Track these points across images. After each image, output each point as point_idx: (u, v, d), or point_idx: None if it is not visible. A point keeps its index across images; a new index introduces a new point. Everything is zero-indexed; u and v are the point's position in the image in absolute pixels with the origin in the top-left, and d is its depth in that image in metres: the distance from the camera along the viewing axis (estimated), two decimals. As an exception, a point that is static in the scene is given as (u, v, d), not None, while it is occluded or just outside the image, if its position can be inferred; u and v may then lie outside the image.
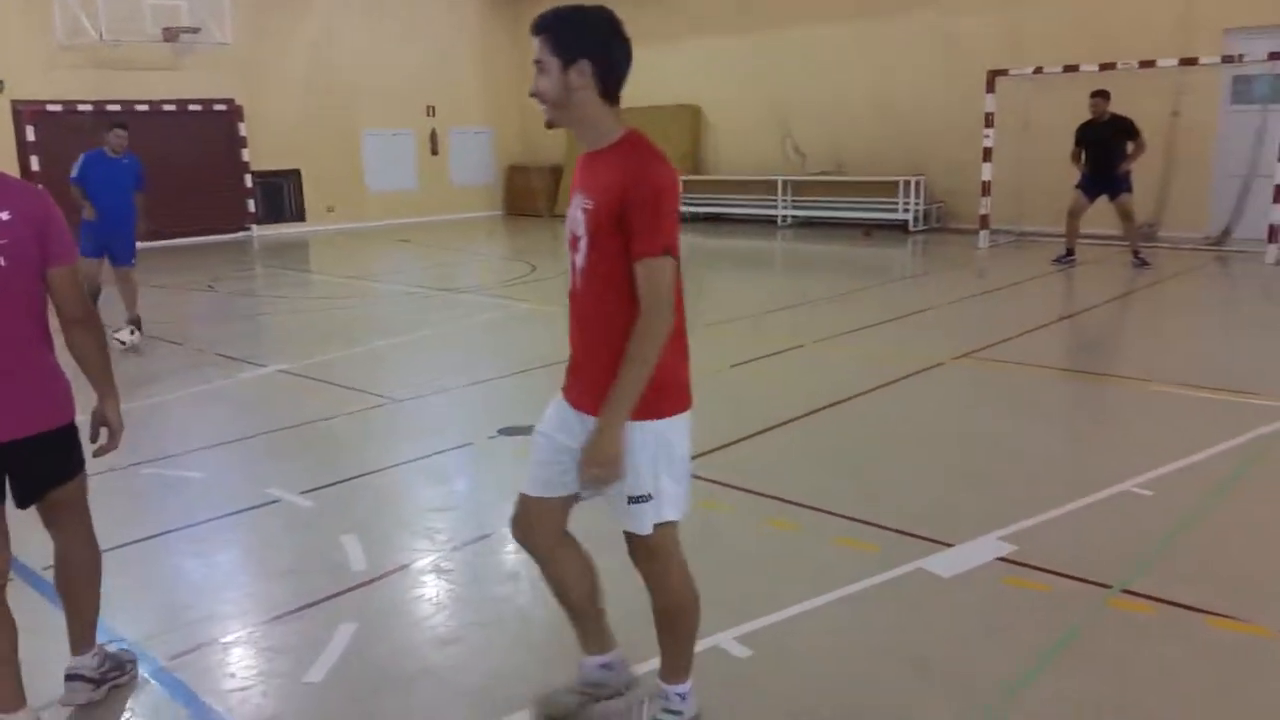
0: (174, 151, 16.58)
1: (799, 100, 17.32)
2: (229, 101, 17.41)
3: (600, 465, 2.40)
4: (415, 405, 6.42)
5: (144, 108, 16.23)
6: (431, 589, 3.80)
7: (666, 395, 2.50)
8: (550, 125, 2.53)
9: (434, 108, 20.33)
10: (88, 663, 2.96)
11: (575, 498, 2.66)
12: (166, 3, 16.13)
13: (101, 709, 2.96)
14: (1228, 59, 12.24)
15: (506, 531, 4.17)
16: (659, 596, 2.69)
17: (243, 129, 17.60)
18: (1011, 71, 13.25)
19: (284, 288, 12.68)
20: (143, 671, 3.15)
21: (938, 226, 16.01)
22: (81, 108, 15.27)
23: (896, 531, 4.14)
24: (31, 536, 2.92)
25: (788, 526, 4.27)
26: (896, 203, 15.82)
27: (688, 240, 16.41)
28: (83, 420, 2.83)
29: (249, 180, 17.86)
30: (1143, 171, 12.62)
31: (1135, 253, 11.59)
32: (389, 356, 8.02)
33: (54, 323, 2.74)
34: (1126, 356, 7.83)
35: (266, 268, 14.75)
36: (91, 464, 2.90)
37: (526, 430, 5.54)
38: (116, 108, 15.76)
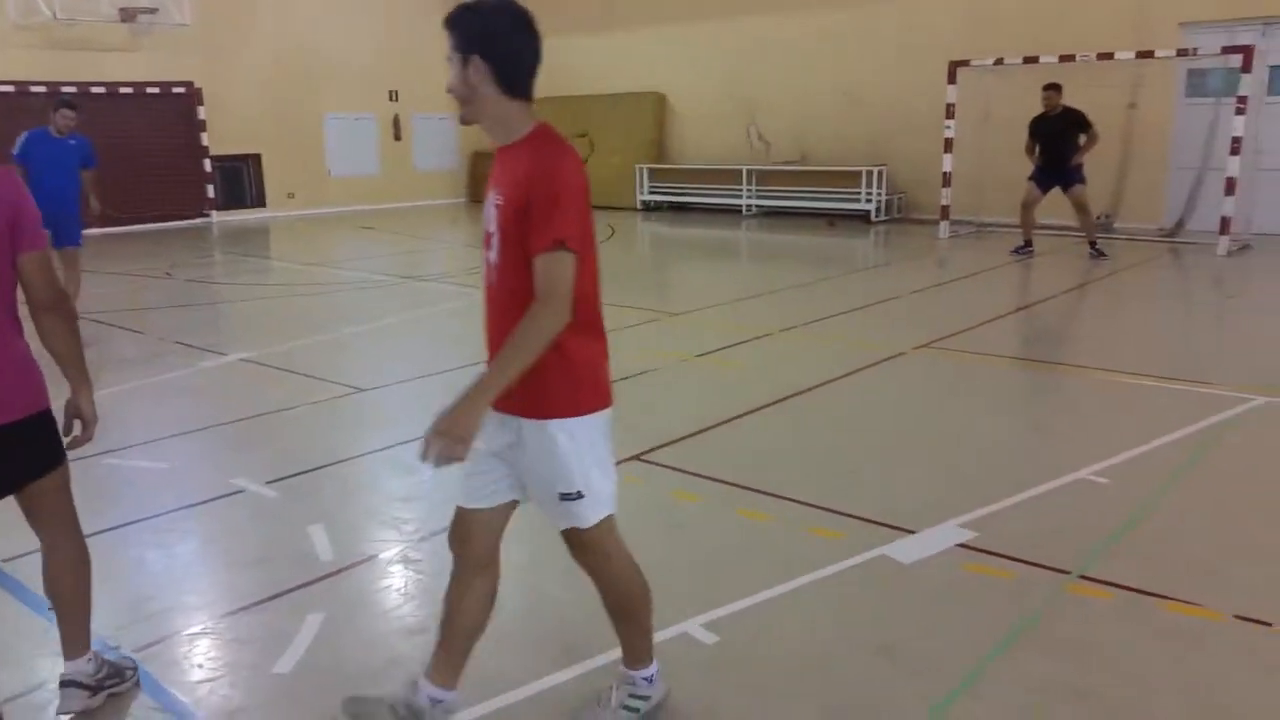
0: (131, 135, 16.31)
1: (763, 90, 17.39)
2: (188, 84, 17.10)
3: (446, 437, 2.24)
4: (380, 394, 6.39)
5: (100, 90, 15.91)
6: (399, 579, 3.80)
7: (589, 391, 2.49)
8: (463, 121, 2.48)
9: (396, 92, 20.13)
10: (83, 668, 2.86)
11: (513, 505, 2.64)
12: (123, -18, 15.84)
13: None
14: (1182, 52, 12.47)
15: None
16: (605, 588, 2.71)
17: (202, 112, 17.29)
18: (973, 62, 13.38)
19: (244, 275, 12.52)
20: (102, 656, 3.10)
21: (899, 217, 16.16)
22: (35, 89, 14.91)
23: (859, 519, 4.21)
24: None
25: (755, 515, 4.32)
26: (859, 193, 15.94)
27: (653, 229, 16.53)
28: (55, 410, 2.78)
29: (208, 165, 17.57)
30: (1099, 164, 12.84)
31: (1092, 243, 11.77)
32: (353, 345, 7.97)
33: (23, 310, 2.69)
34: (1083, 346, 7.97)
35: (226, 254, 14.55)
36: (58, 455, 2.85)
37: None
38: (72, 89, 15.41)
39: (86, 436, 2.79)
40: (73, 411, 2.74)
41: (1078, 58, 12.43)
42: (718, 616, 3.38)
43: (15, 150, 8.03)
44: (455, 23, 2.39)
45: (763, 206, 17.39)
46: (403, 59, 19.83)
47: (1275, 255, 11.85)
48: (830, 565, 3.76)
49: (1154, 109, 13.66)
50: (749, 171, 17.33)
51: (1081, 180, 11.43)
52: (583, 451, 2.49)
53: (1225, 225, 11.63)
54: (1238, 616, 3.34)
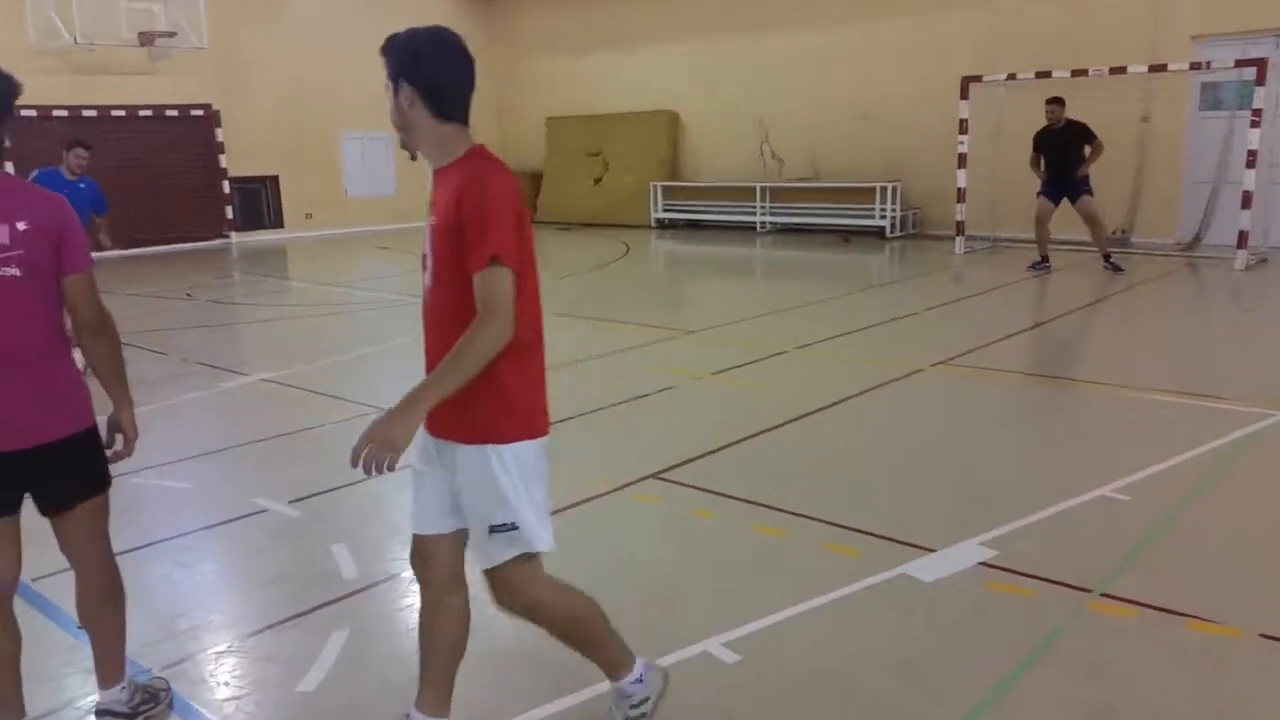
0: (150, 157, 16.56)
1: (777, 107, 17.45)
2: (206, 107, 17.32)
3: (375, 444, 2.21)
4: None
5: (120, 113, 16.16)
6: (422, 597, 3.82)
7: (522, 419, 2.44)
8: (404, 148, 2.50)
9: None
10: (117, 696, 2.91)
11: (466, 532, 2.61)
12: (142, 6, 16.07)
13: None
14: (1195, 66, 12.46)
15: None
16: (546, 626, 2.66)
17: (220, 134, 17.50)
18: (985, 78, 13.41)
19: (264, 295, 12.63)
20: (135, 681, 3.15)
21: (914, 232, 16.17)
22: (56, 112, 15.12)
23: (880, 537, 4.21)
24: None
25: (772, 532, 4.33)
26: (873, 209, 15.96)
27: (667, 246, 16.57)
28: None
29: (227, 186, 17.76)
30: (1114, 178, 12.84)
31: (1106, 256, 11.76)
32: (371, 364, 8.03)
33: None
34: (1101, 362, 7.95)
35: (246, 275, 14.68)
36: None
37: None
38: (92, 113, 15.68)
39: (127, 451, 2.86)
40: (115, 426, 2.82)
41: (1090, 72, 12.44)
42: (738, 635, 3.39)
43: None
44: (386, 52, 2.43)
45: (777, 223, 17.42)
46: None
47: (1293, 269, 11.81)
48: (851, 583, 3.77)
49: (1168, 123, 13.65)
50: (763, 189, 17.37)
51: (1089, 191, 11.43)
52: (516, 482, 2.43)
53: (1242, 239, 11.59)
54: (1262, 635, 3.33)
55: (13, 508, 2.68)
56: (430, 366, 2.45)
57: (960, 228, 13.92)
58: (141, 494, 4.95)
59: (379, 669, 3.26)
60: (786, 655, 3.30)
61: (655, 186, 18.68)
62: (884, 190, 15.82)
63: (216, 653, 3.41)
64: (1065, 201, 11.55)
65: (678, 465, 5.17)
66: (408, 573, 3.98)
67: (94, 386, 2.79)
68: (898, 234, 15.94)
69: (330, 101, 18.83)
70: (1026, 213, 12.28)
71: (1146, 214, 13.90)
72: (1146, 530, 4.24)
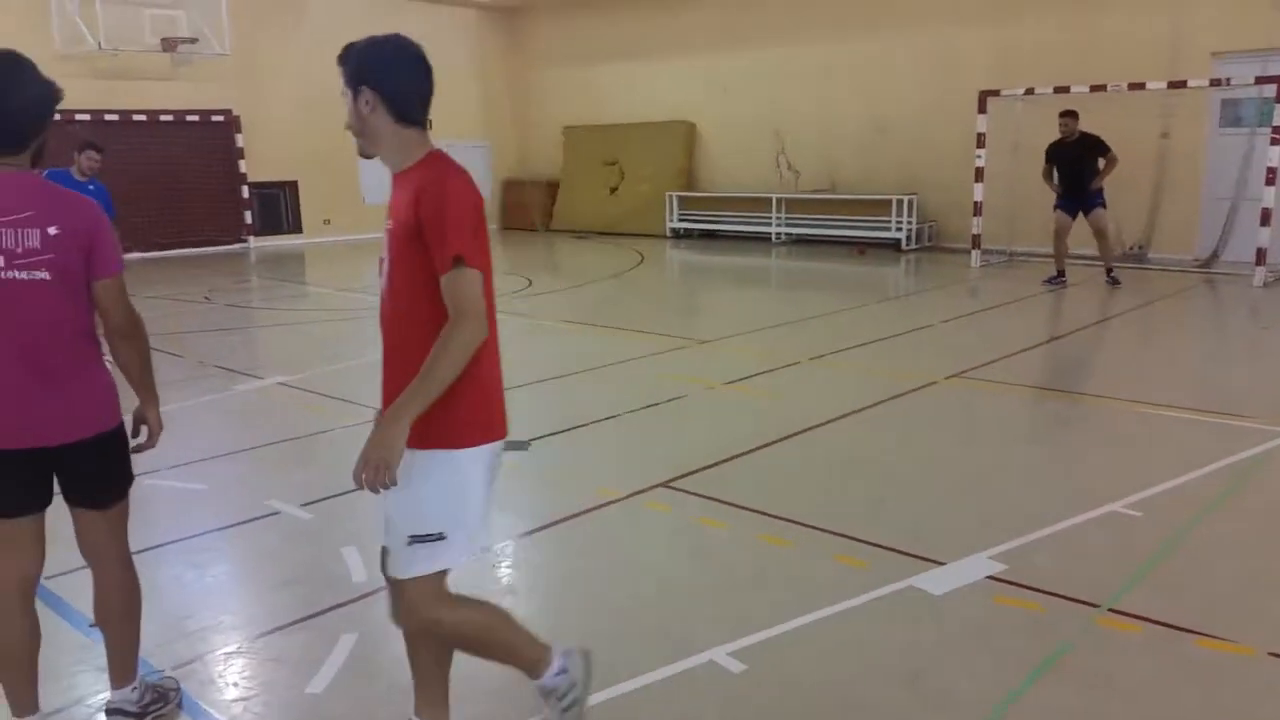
0: (172, 162, 16.75)
1: (793, 118, 17.47)
2: (226, 112, 17.48)
3: (371, 465, 2.25)
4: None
5: (141, 118, 16.34)
6: (431, 602, 3.84)
7: (464, 422, 2.39)
8: (362, 154, 2.52)
9: (430, 121, 20.35)
10: (128, 696, 2.94)
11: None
12: (165, 13, 16.25)
13: None
14: (1215, 82, 12.41)
15: (505, 544, 4.24)
16: (450, 642, 2.62)
17: (240, 140, 17.66)
18: (1003, 92, 13.39)
19: (281, 299, 12.71)
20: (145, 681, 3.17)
21: (930, 245, 16.14)
22: (80, 117, 15.29)
23: (889, 549, 4.21)
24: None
25: (781, 543, 4.33)
26: (889, 221, 15.94)
27: (682, 256, 16.60)
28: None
29: (246, 191, 17.92)
30: (1133, 194, 12.78)
31: (1109, 270, 11.72)
32: (386, 369, 8.05)
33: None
34: (1115, 378, 7.91)
35: (263, 279, 14.79)
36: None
37: (524, 445, 5.61)
38: (114, 117, 15.86)
39: (151, 443, 2.92)
40: (140, 419, 2.88)
41: (1109, 88, 12.41)
42: (745, 645, 3.39)
43: None
44: (344, 59, 2.45)
45: (792, 234, 17.42)
46: (436, 88, 20.07)
47: (1312, 287, 11.72)
48: (859, 595, 3.76)
49: (1187, 139, 13.59)
50: (778, 200, 17.38)
51: (1103, 204, 11.41)
52: (448, 490, 2.40)
53: (1261, 256, 11.52)
54: (1271, 653, 3.31)
55: (40, 506, 2.73)
56: (387, 367, 2.47)
57: (976, 241, 13.90)
58: (156, 494, 4.99)
59: (387, 672, 3.27)
60: (793, 666, 3.30)
61: (671, 196, 18.71)
62: (900, 203, 15.81)
63: (226, 653, 3.44)
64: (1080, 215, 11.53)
65: (688, 474, 5.17)
66: (417, 577, 4.02)
67: (119, 384, 2.84)
68: (913, 246, 15.92)
69: (350, 109, 18.93)
70: (1043, 227, 12.25)
71: (1165, 230, 13.83)
72: (1157, 547, 4.22)
